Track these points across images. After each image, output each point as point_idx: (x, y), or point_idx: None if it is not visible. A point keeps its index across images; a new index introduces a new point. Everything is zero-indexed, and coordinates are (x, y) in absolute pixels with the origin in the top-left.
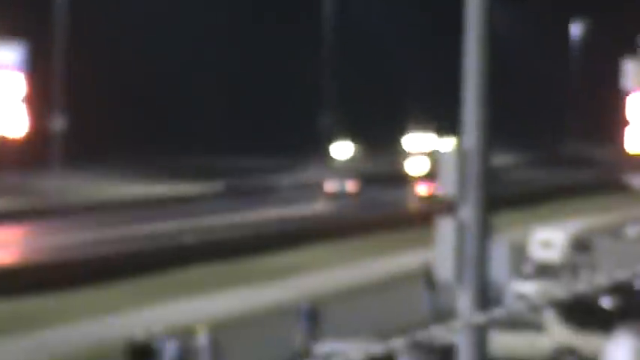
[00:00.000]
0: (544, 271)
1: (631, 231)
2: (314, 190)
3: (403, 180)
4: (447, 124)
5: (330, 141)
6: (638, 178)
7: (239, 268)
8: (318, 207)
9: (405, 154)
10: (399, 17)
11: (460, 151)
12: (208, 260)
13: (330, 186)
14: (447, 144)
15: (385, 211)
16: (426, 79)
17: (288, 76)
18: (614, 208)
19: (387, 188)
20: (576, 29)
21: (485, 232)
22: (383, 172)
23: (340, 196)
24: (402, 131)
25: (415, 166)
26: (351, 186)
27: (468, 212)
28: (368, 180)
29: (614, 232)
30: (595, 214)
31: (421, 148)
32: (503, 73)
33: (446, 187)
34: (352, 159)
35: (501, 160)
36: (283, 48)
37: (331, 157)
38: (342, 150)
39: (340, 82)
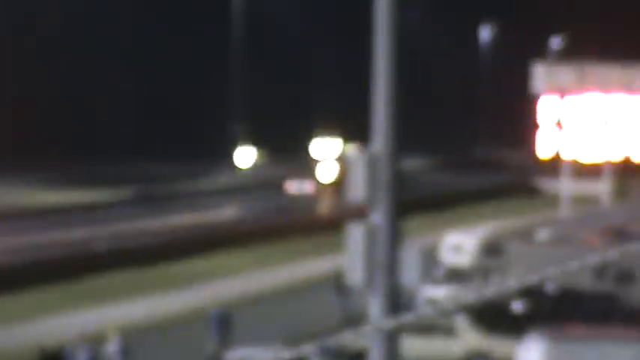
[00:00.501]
0: (455, 275)
1: (541, 235)
2: (224, 195)
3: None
4: (353, 129)
5: (235, 148)
6: (549, 182)
7: (150, 275)
8: (229, 213)
9: (313, 160)
10: (309, 19)
11: (370, 155)
12: (120, 267)
13: (291, 186)
14: (353, 149)
15: (296, 216)
16: (335, 84)
17: (197, 82)
18: (525, 212)
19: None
20: (485, 33)
21: (395, 237)
22: (294, 177)
23: (301, 195)
24: (309, 137)
25: (325, 171)
26: (310, 186)
27: (379, 217)
28: (278, 186)
29: (525, 236)
30: (506, 219)
31: (329, 154)
32: (413, 76)
33: (356, 192)
34: (256, 166)
35: (412, 164)
36: (192, 51)
37: (235, 164)
38: (246, 157)
39: (249, 87)
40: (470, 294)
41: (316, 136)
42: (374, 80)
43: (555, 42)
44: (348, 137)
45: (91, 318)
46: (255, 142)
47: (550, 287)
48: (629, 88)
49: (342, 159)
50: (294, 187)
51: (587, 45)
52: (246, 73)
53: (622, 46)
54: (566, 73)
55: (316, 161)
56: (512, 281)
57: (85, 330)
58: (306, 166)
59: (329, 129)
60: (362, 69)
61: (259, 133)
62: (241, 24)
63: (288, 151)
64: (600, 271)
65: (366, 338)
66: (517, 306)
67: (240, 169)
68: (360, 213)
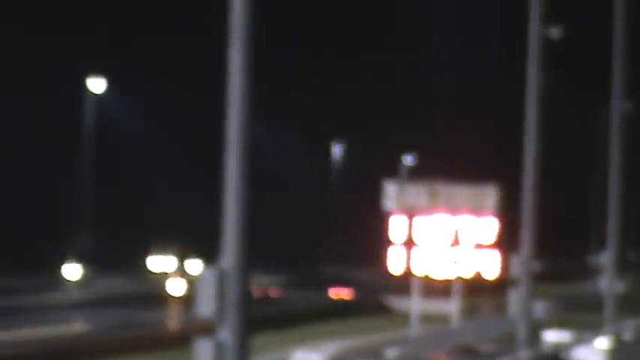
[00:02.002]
0: None
1: (390, 353)
2: (72, 309)
3: (158, 300)
4: (191, 246)
5: (72, 262)
6: (400, 300)
7: None
8: (77, 326)
9: (150, 275)
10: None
11: (219, 271)
12: None
13: (257, 291)
14: (192, 266)
15: (142, 330)
16: (180, 199)
17: (44, 195)
18: (373, 330)
19: (142, 308)
20: (338, 150)
21: (244, 353)
22: (132, 292)
23: (265, 300)
24: (146, 253)
25: (174, 286)
26: (275, 292)
27: (227, 333)
28: (114, 300)
29: (373, 354)
30: (354, 336)
31: (166, 269)
32: (263, 193)
33: (204, 307)
34: (82, 280)
35: (262, 280)
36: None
37: (64, 278)
38: (73, 271)
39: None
40: None
41: (155, 252)
42: (225, 196)
43: (407, 160)
44: (185, 254)
45: None
46: (85, 258)
47: None
48: (475, 210)
49: (189, 274)
50: (260, 292)
51: (438, 164)
52: (97, 187)
53: (471, 167)
54: (416, 192)
55: (156, 275)
56: None
57: None
58: (146, 281)
59: (166, 246)
60: (207, 187)
61: (97, 248)
62: (92, 144)
63: (123, 266)
64: None
65: None
66: None
67: (71, 283)
68: (208, 329)
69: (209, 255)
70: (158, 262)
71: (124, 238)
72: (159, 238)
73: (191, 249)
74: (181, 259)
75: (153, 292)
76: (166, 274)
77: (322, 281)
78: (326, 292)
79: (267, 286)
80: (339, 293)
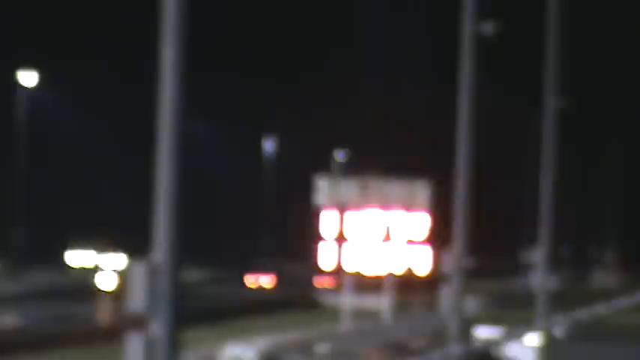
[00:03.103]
0: None
1: (321, 349)
2: (6, 301)
3: (83, 294)
4: (108, 240)
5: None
6: (330, 295)
7: None
8: (9, 320)
9: (66, 269)
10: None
11: (150, 265)
12: None
13: (250, 280)
14: (109, 260)
15: (76, 325)
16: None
17: None
18: (304, 325)
19: (75, 302)
20: (269, 145)
21: (175, 348)
22: (57, 286)
23: (259, 290)
24: (64, 247)
25: (105, 280)
26: (270, 281)
27: (158, 328)
28: (41, 294)
29: (304, 349)
30: (286, 331)
31: (85, 264)
32: (194, 188)
33: (135, 302)
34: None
35: (193, 275)
36: None
37: None
38: None
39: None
40: None
41: (74, 247)
42: (156, 190)
43: (339, 155)
44: (102, 248)
45: None
46: None
47: None
48: (407, 205)
49: (120, 269)
50: (252, 281)
51: (370, 159)
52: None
53: (403, 162)
54: (348, 187)
55: (74, 270)
56: None
57: None
58: (67, 275)
59: (83, 240)
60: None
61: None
62: (25, 132)
63: (36, 261)
64: None
65: None
66: None
67: None
68: (139, 323)
69: (131, 249)
70: (77, 257)
71: (47, 232)
72: (80, 233)
73: (111, 243)
74: (101, 254)
75: (78, 287)
76: (85, 268)
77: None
78: (242, 280)
79: (260, 275)
80: (259, 281)
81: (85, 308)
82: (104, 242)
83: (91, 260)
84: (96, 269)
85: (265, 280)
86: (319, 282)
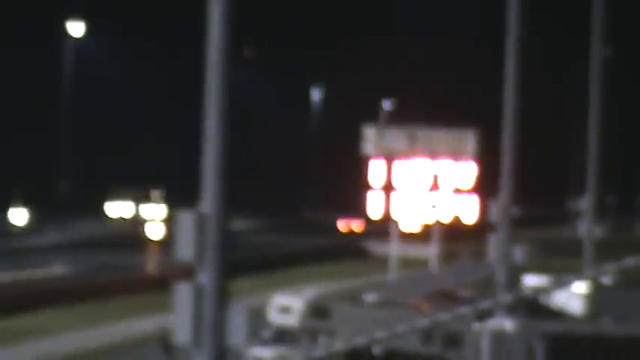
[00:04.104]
0: (283, 336)
1: (369, 298)
2: (52, 251)
3: (130, 244)
4: (148, 191)
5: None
6: (378, 244)
7: None
8: (56, 270)
9: (108, 219)
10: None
11: (198, 215)
12: None
13: (341, 225)
14: (149, 210)
15: (123, 274)
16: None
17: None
18: (354, 275)
19: (118, 252)
20: (316, 95)
21: (223, 297)
22: (99, 236)
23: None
24: (103, 198)
25: (154, 230)
26: (359, 225)
27: (206, 277)
28: (88, 244)
29: (353, 298)
30: (334, 281)
31: (123, 214)
32: (243, 136)
33: (183, 251)
34: (29, 225)
35: (241, 224)
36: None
37: (8, 222)
38: (18, 217)
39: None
40: (297, 355)
41: (110, 198)
42: (204, 140)
43: (386, 105)
44: (141, 199)
45: None
46: (29, 202)
47: (377, 350)
48: (455, 154)
49: (171, 218)
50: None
51: (417, 109)
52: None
53: (450, 112)
54: (396, 136)
55: (114, 220)
56: (339, 343)
57: None
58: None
59: (123, 191)
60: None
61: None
62: (70, 83)
63: (78, 211)
64: (428, 334)
65: None
66: None
67: (17, 228)
68: (187, 273)
69: (171, 200)
70: (116, 207)
71: (91, 183)
72: (119, 183)
73: (149, 194)
74: (139, 204)
75: (121, 236)
76: (124, 219)
77: (302, 225)
78: (335, 224)
79: (351, 220)
80: (349, 225)
81: (131, 258)
82: (142, 193)
83: (130, 211)
84: (135, 219)
85: (356, 225)
86: (343, 224)
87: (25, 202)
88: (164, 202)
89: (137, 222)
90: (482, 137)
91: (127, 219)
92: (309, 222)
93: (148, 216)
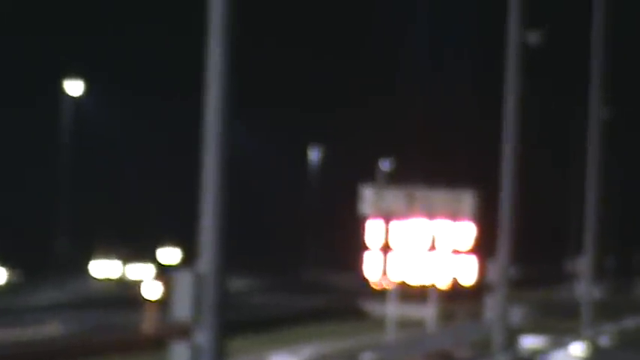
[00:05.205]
0: None
1: (366, 357)
2: (46, 311)
3: (121, 303)
4: (134, 250)
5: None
6: (376, 305)
7: None
8: (51, 329)
9: (92, 280)
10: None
11: (196, 274)
12: None
13: (375, 284)
14: (137, 270)
15: (119, 333)
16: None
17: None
18: (350, 334)
19: (109, 311)
20: (315, 154)
21: (220, 357)
22: (90, 296)
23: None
24: (88, 257)
25: (150, 290)
26: (388, 283)
27: (204, 337)
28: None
29: (350, 358)
30: (331, 340)
31: (109, 274)
32: (240, 197)
33: (180, 310)
34: (8, 285)
35: (239, 284)
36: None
37: None
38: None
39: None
40: None
41: (97, 257)
42: (203, 196)
43: (384, 165)
44: (128, 258)
45: None
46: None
47: None
48: (453, 215)
49: (166, 278)
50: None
51: (415, 169)
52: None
53: (448, 172)
54: (393, 197)
55: (99, 280)
56: None
57: None
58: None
59: (108, 251)
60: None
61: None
62: (69, 142)
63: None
64: None
65: None
66: None
67: None
68: (184, 332)
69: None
70: (102, 267)
71: (85, 242)
72: (107, 242)
73: (138, 253)
74: (123, 264)
75: (114, 296)
76: (110, 279)
77: (300, 285)
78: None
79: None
80: (382, 283)
81: (127, 317)
82: (129, 252)
83: (116, 271)
84: (120, 280)
85: (387, 282)
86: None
87: (3, 261)
88: (147, 262)
89: (126, 283)
90: (480, 197)
91: (114, 279)
92: (307, 281)
93: (136, 276)
